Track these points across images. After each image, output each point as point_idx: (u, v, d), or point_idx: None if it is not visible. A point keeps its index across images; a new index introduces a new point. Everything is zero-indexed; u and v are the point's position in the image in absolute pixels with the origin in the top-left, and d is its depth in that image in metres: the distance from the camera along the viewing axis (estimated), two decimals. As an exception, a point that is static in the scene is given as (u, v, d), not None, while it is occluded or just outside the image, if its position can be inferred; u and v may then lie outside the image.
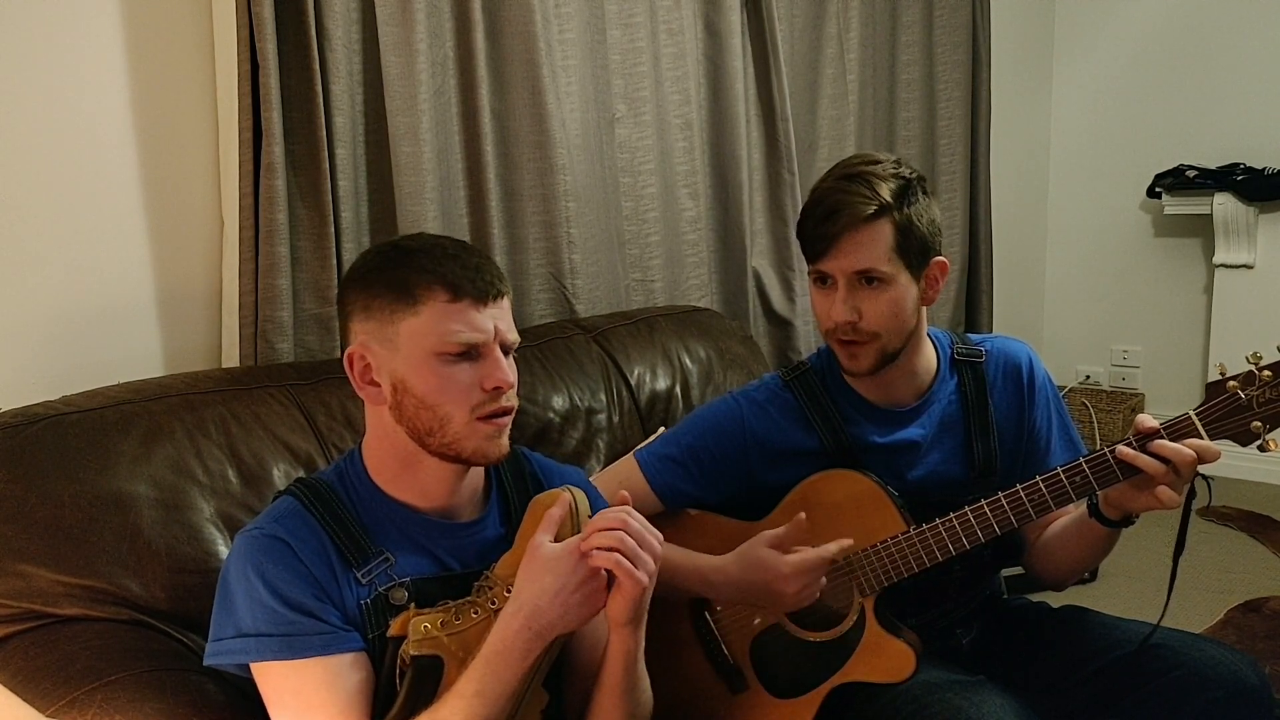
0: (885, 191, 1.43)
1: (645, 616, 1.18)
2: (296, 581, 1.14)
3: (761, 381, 1.63)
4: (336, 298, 1.26)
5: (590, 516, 1.21)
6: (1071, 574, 1.59)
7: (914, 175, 1.47)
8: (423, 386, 1.17)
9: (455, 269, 1.18)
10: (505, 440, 1.22)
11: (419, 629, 1.15)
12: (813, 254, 1.47)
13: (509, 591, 1.16)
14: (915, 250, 1.45)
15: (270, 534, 1.17)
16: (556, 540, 1.16)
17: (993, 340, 1.62)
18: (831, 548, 1.39)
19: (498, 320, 1.20)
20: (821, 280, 1.48)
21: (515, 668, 1.12)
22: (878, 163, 1.47)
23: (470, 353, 1.18)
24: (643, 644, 1.21)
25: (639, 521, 1.14)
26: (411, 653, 1.14)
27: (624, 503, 1.17)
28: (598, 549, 1.12)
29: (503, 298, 1.21)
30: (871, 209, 1.42)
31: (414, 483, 1.23)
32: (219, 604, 1.17)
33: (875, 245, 1.42)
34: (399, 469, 1.23)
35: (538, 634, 1.12)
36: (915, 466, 1.54)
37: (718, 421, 1.59)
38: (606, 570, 1.13)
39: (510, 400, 1.21)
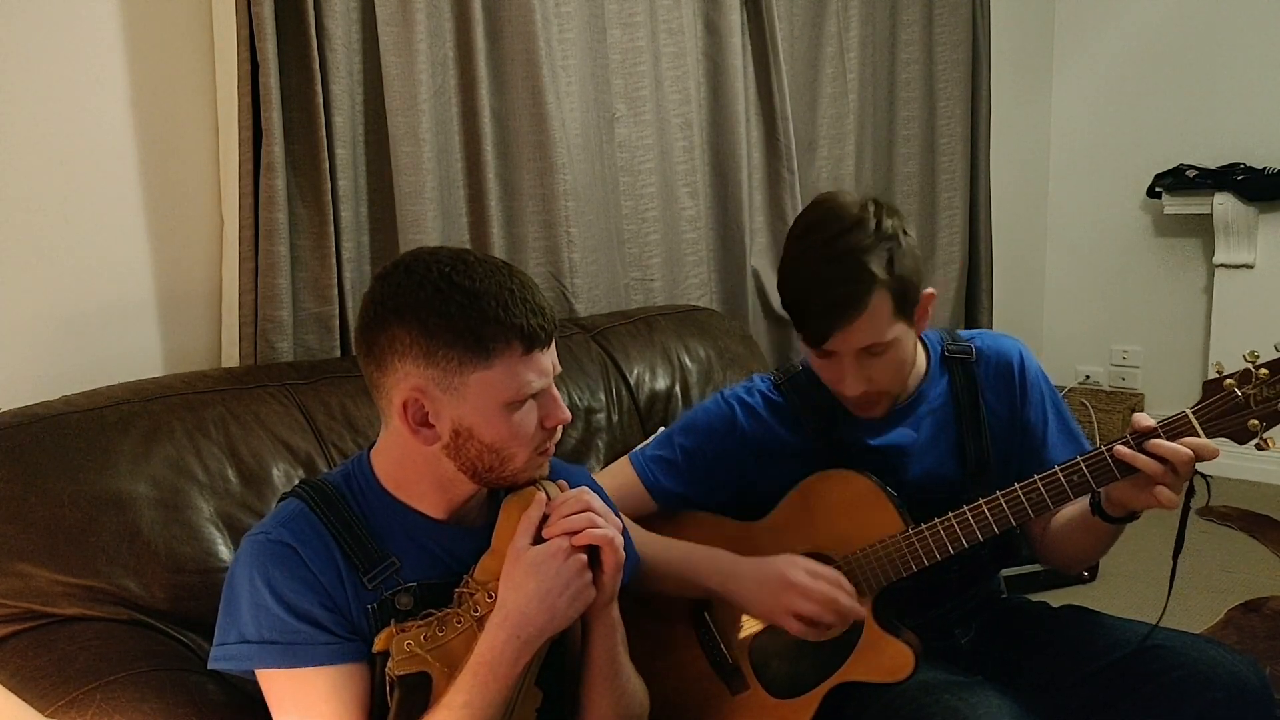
0: (876, 267, 1.37)
1: (617, 593, 1.22)
2: (302, 588, 1.13)
3: (753, 383, 1.63)
4: (371, 322, 1.16)
5: None
6: (1078, 564, 1.60)
7: (890, 224, 1.40)
8: (492, 434, 1.15)
9: (526, 315, 1.14)
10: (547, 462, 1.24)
11: (401, 648, 1.13)
12: (813, 340, 1.43)
13: (491, 597, 1.15)
14: (909, 302, 1.43)
15: (276, 538, 1.15)
16: (536, 543, 1.16)
17: (982, 336, 1.61)
18: (855, 607, 1.41)
19: (552, 356, 1.20)
20: (823, 353, 1.45)
21: (503, 677, 1.12)
22: (857, 225, 1.39)
23: (536, 395, 1.18)
24: (620, 622, 1.24)
25: (595, 500, 1.18)
26: (397, 673, 1.13)
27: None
28: (581, 530, 1.14)
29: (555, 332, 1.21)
30: (867, 292, 1.37)
31: (439, 499, 1.22)
32: (223, 608, 1.16)
33: (876, 321, 1.39)
34: (426, 489, 1.21)
35: (526, 642, 1.12)
36: (908, 466, 1.53)
37: (709, 422, 1.59)
38: (589, 558, 1.15)
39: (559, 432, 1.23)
